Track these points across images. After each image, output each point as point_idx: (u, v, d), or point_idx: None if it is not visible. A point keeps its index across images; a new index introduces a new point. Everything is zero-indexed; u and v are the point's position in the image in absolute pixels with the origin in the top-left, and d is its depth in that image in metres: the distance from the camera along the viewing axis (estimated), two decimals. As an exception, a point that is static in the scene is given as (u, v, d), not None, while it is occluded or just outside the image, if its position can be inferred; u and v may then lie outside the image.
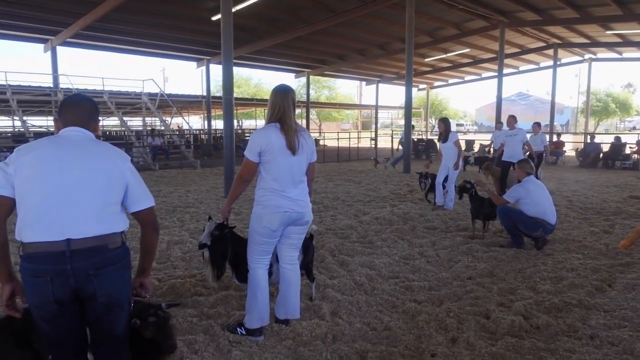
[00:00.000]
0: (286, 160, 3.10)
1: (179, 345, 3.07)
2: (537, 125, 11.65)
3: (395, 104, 40.33)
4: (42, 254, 1.85)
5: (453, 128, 11.36)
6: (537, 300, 3.91)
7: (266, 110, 3.25)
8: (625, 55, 25.80)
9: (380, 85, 33.12)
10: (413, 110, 17.94)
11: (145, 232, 2.20)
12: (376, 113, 33.10)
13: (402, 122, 16.68)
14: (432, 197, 8.45)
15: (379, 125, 33.19)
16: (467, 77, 33.21)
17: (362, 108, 44.78)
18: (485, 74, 31.51)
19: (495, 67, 19.87)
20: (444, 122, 8.06)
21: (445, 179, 8.12)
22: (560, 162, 17.96)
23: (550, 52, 23.70)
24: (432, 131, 33.80)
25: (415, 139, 21.26)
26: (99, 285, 1.92)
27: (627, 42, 22.09)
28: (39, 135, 19.18)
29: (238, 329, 3.28)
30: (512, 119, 9.33)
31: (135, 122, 31.14)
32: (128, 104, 21.21)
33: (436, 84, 36.00)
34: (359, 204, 8.69)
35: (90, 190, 1.95)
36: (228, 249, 3.56)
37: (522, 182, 5.60)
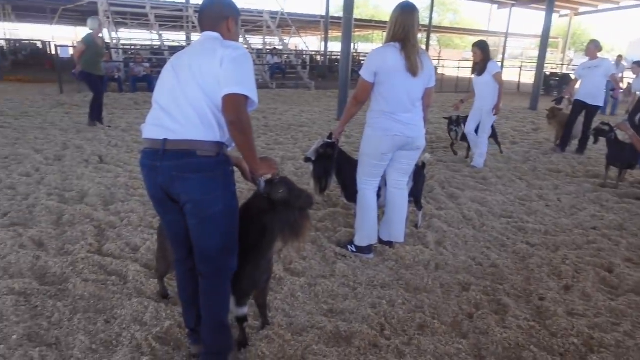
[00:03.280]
0: (401, 82, 2.99)
1: (289, 252, 3.32)
2: (637, 65, 9.13)
3: (528, 31, 36.07)
4: (147, 150, 1.90)
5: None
6: (674, 261, 3.48)
7: (386, 29, 3.10)
8: None
9: (514, 9, 29.60)
10: (550, 40, 15.79)
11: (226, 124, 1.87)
12: (505, 41, 30.02)
13: (533, 53, 14.93)
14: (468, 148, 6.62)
15: (506, 55, 30.20)
16: (624, 2, 28.17)
17: (489, 35, 40.85)
18: (649, -1, 26.42)
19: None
20: (481, 48, 5.75)
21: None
22: None
23: None
24: (569, 64, 29.98)
25: (548, 73, 19.07)
26: (182, 190, 1.84)
27: None
28: (173, 49, 20.72)
29: (349, 246, 3.44)
30: (593, 46, 7.04)
31: (256, 40, 32.03)
32: (250, 21, 21.72)
33: (582, 9, 31.15)
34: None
35: (188, 93, 1.84)
36: (332, 167, 3.65)
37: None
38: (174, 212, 1.94)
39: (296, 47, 30.49)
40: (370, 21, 32.57)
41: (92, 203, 4.09)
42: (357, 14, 41.17)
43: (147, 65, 13.86)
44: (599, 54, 7.06)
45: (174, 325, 2.39)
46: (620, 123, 5.46)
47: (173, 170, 1.82)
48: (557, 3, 23.44)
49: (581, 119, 7.06)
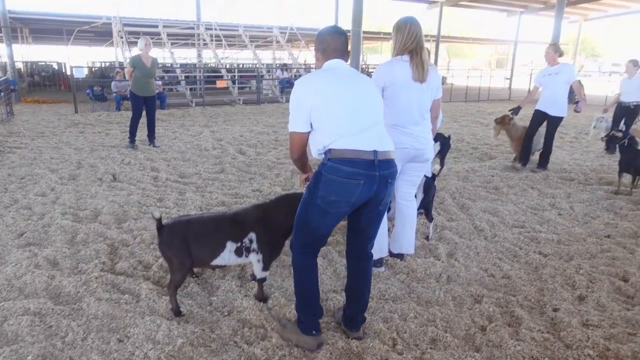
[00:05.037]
0: (409, 95, 3.01)
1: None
2: (632, 63, 7.72)
3: (538, 39, 35.86)
4: (358, 161, 2.16)
5: (606, 69, 7.04)
6: (692, 269, 3.41)
7: (393, 42, 3.12)
8: None
9: (523, 16, 29.59)
10: (560, 46, 15.78)
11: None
12: (515, 49, 29.94)
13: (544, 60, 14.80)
14: None
15: (516, 63, 30.03)
16: (634, 6, 27.93)
17: (498, 43, 40.78)
18: (660, 3, 26.17)
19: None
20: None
21: None
22: None
23: None
24: (580, 71, 29.78)
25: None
26: (387, 192, 2.27)
27: None
28: (184, 66, 21.04)
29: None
30: (552, 51, 6.23)
31: (266, 55, 32.37)
32: (260, 37, 22.03)
33: (591, 15, 30.97)
34: (485, 147, 8.19)
35: (374, 111, 2.28)
36: None
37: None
38: (349, 213, 2.32)
39: (305, 60, 30.72)
40: (379, 33, 32.77)
41: (106, 221, 4.16)
42: (365, 26, 41.53)
43: (159, 83, 14.09)
44: (559, 59, 6.33)
45: (186, 343, 2.40)
46: (635, 129, 5.41)
47: (388, 178, 2.23)
48: (566, 9, 23.36)
49: (542, 130, 6.42)
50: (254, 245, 2.72)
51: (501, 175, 6.11)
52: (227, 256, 2.72)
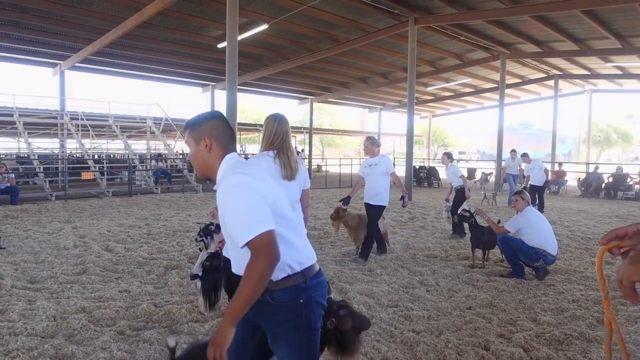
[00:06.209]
0: None
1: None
2: (446, 155, 8.87)
3: (398, 131, 40.59)
4: (320, 271, 1.98)
5: (455, 157, 8.37)
6: (537, 332, 3.85)
7: (262, 135, 3.26)
8: (625, 87, 26.14)
9: (383, 112, 33.58)
10: (415, 137, 18.14)
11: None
12: (379, 139, 33.29)
13: (404, 149, 16.76)
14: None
15: (381, 152, 33.34)
16: (469, 106, 33.57)
17: (365, 134, 45.16)
18: (487, 104, 31.84)
19: (497, 96, 20.08)
20: None
21: None
22: (562, 192, 17.94)
23: (551, 83, 24.03)
24: (434, 158, 34.02)
25: (417, 166, 21.35)
26: None
27: (627, 75, 22.39)
28: (43, 157, 19.34)
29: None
30: (370, 143, 6.38)
31: (139, 146, 31.32)
32: (133, 127, 21.44)
33: (438, 112, 36.36)
34: (359, 230, 8.64)
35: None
36: (221, 279, 3.57)
37: (523, 212, 5.59)
38: None
39: (182, 150, 30.39)
40: (255, 125, 34.20)
41: None
42: (243, 118, 43.03)
43: (12, 175, 12.64)
44: (379, 151, 6.47)
45: None
46: (478, 209, 6.22)
47: None
48: (416, 107, 27.02)
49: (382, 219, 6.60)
50: None
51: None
52: None
